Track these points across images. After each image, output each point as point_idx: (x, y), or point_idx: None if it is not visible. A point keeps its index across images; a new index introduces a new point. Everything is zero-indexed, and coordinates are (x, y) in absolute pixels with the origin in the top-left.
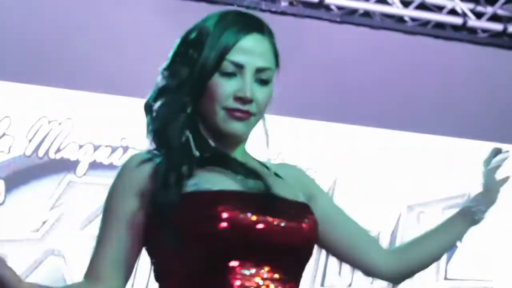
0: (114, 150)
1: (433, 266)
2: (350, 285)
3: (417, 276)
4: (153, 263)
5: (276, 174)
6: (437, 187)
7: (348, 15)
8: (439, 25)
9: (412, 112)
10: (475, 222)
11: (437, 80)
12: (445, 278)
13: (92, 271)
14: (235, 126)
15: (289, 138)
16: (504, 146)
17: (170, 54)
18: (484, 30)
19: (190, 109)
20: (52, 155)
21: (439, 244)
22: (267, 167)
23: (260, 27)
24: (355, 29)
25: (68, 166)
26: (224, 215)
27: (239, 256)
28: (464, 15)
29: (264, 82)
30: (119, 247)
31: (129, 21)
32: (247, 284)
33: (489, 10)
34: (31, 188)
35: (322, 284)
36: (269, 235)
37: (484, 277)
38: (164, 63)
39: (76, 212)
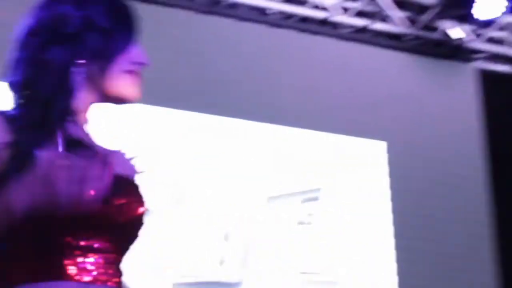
0: None
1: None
2: None
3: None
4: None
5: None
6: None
7: (214, 6)
8: (304, 19)
9: (272, 104)
10: None
11: (300, 74)
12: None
13: None
14: (136, 91)
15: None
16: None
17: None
18: (349, 26)
19: (80, 75)
20: None
21: None
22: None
23: None
24: (221, 21)
25: None
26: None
27: (71, 233)
28: (328, 10)
29: None
30: None
31: None
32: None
33: (354, 5)
34: None
35: None
36: (106, 213)
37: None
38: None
39: None
